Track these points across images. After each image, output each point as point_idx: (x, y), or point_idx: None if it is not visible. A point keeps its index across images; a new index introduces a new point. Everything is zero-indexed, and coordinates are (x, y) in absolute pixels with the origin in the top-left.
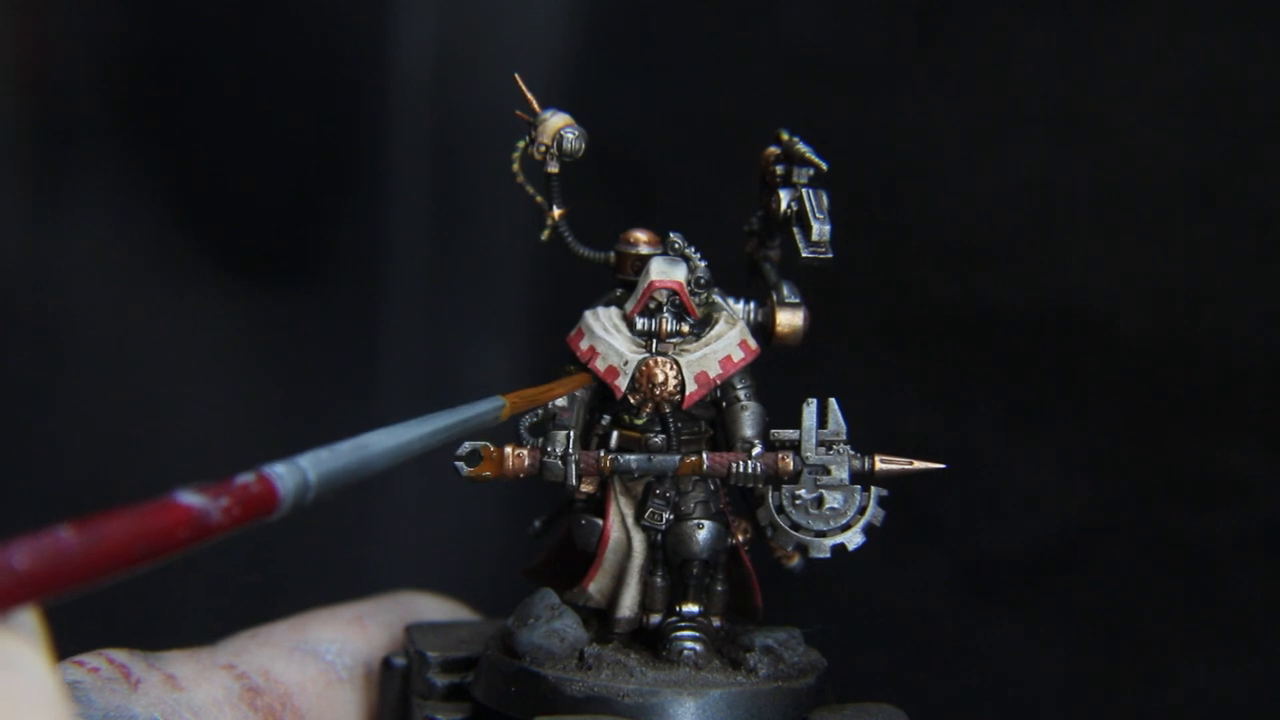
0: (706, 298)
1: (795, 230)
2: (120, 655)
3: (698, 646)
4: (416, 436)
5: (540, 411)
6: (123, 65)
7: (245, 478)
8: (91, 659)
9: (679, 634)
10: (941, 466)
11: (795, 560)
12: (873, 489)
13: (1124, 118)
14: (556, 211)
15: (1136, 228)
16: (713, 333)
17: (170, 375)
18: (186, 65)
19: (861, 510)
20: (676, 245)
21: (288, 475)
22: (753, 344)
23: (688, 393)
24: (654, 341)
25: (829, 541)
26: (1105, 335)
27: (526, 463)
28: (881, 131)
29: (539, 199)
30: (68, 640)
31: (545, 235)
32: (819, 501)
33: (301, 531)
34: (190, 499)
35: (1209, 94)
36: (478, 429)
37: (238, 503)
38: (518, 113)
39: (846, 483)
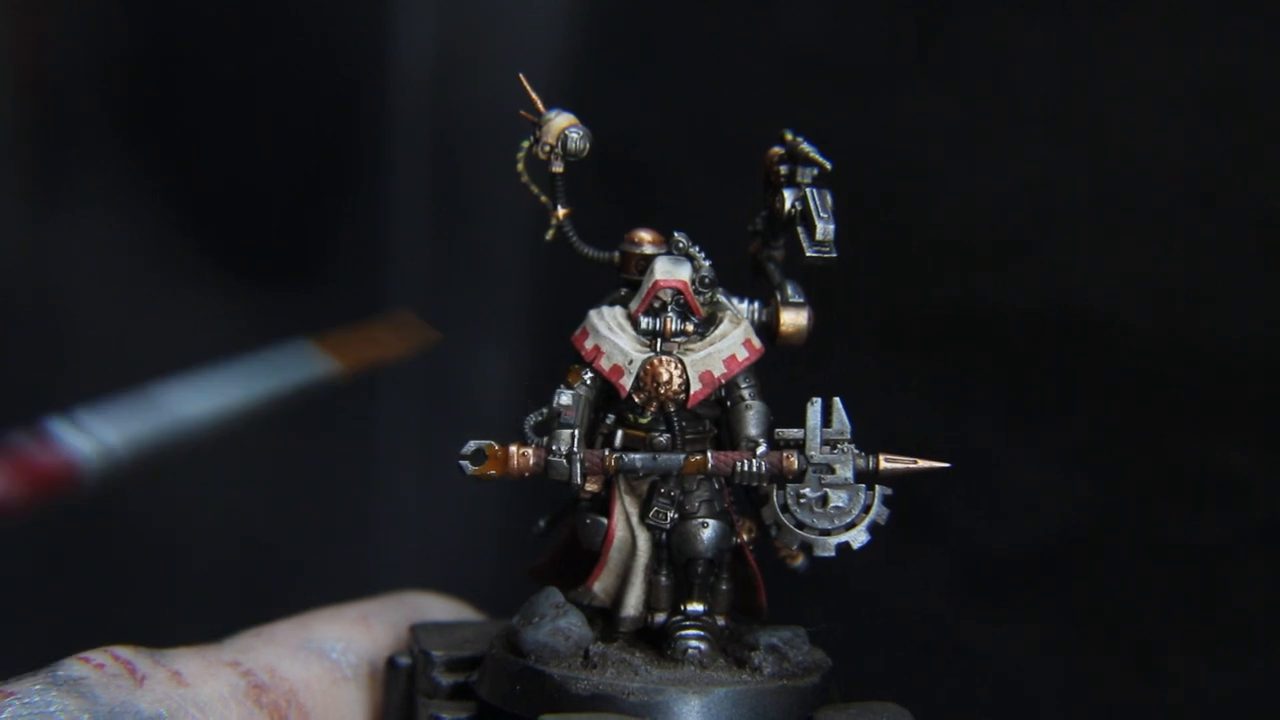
0: (711, 297)
1: (799, 230)
2: (126, 652)
3: (702, 645)
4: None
5: (545, 410)
6: (123, 65)
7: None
8: (97, 655)
9: (684, 633)
10: (946, 465)
11: (800, 560)
12: (877, 488)
13: (1124, 118)
14: (561, 211)
15: (1136, 228)
16: (717, 332)
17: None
18: (186, 65)
19: (866, 509)
20: (681, 245)
21: (82, 442)
22: (757, 343)
23: (692, 392)
24: (658, 341)
25: (833, 540)
26: (1105, 335)
27: (531, 461)
28: (881, 131)
29: (543, 199)
30: (74, 638)
31: (550, 235)
32: (823, 500)
33: (306, 531)
34: None
35: (1209, 94)
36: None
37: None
38: (522, 113)
39: (851, 481)
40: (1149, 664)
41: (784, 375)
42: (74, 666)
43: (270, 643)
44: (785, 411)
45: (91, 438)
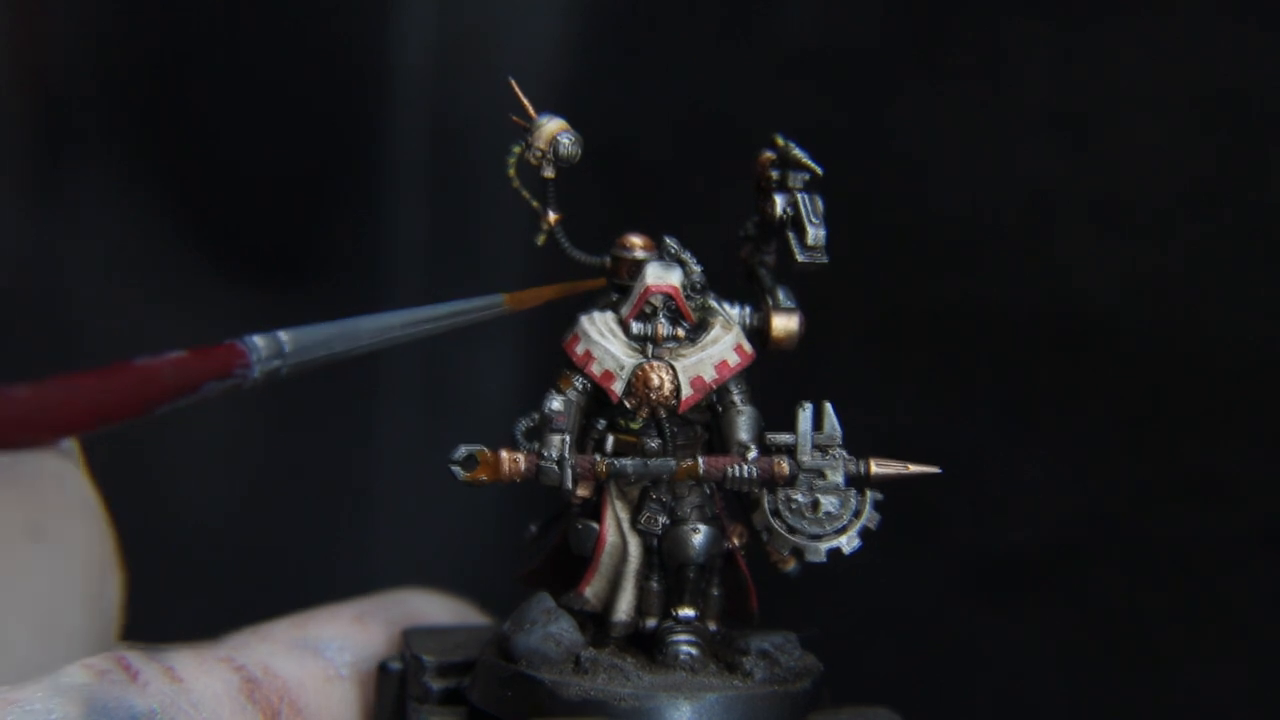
0: (702, 302)
1: (790, 235)
2: (127, 654)
3: (693, 650)
4: (403, 321)
5: (537, 416)
6: (123, 65)
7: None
8: (100, 661)
9: (675, 638)
10: (936, 471)
11: (792, 565)
12: (868, 493)
13: (1124, 118)
14: (552, 216)
15: (1136, 228)
16: (708, 337)
17: None
18: (188, 67)
19: (857, 514)
20: (672, 250)
21: (261, 342)
22: (748, 349)
23: (683, 397)
24: (650, 346)
25: (824, 545)
26: (1105, 335)
27: (523, 467)
28: (881, 131)
29: (535, 204)
30: (74, 641)
31: (541, 240)
32: (814, 505)
33: (305, 530)
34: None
35: (1209, 94)
36: (472, 323)
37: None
38: (514, 118)
39: (842, 487)
40: (1149, 664)
41: (776, 380)
42: (76, 673)
43: (266, 641)
44: (777, 416)
45: (265, 335)
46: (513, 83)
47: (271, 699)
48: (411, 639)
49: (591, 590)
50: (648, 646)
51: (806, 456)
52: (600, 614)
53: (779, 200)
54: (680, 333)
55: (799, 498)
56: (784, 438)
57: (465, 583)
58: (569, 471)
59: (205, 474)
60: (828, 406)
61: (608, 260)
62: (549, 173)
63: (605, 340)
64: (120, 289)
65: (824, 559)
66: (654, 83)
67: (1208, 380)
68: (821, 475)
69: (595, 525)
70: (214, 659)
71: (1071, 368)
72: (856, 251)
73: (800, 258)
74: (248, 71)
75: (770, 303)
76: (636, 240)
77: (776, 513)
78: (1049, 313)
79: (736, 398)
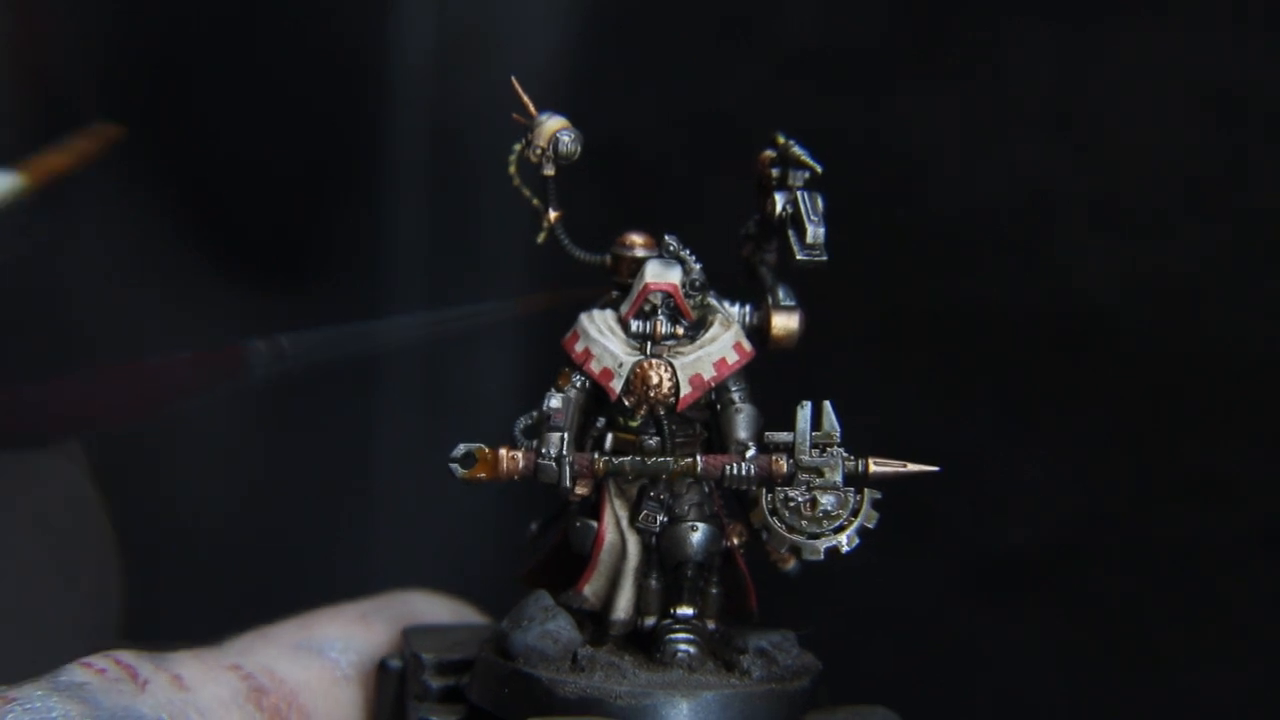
0: (701, 300)
1: (790, 233)
2: (127, 656)
3: (691, 649)
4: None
5: (535, 414)
6: (123, 66)
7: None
8: (99, 660)
9: (673, 636)
10: (935, 469)
11: (791, 564)
12: (866, 491)
13: (1124, 118)
14: (553, 214)
15: (1136, 228)
16: (707, 335)
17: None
18: (188, 67)
19: (855, 512)
20: (672, 248)
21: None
22: (747, 347)
23: (682, 395)
24: (649, 344)
25: (822, 544)
26: (1105, 335)
27: (521, 465)
28: (881, 131)
29: (535, 202)
30: (75, 638)
31: (541, 238)
32: (812, 504)
33: (305, 531)
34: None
35: (1209, 94)
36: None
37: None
38: (514, 116)
39: (840, 485)
40: (1149, 664)
41: (775, 378)
42: (76, 672)
43: (270, 644)
44: (776, 415)
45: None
46: (514, 81)
47: (279, 705)
48: (411, 637)
49: (590, 588)
50: (646, 645)
51: (805, 455)
52: (599, 612)
53: (779, 198)
54: (679, 331)
55: (797, 496)
56: (782, 436)
57: (465, 583)
58: (567, 469)
59: (205, 474)
60: (826, 405)
61: (608, 258)
62: (549, 170)
63: (604, 338)
64: (120, 289)
65: (822, 557)
66: (654, 83)
67: (1208, 380)
68: (820, 474)
69: (594, 523)
70: (220, 665)
71: (1071, 368)
72: (856, 251)
73: (800, 255)
74: (247, 71)
75: (770, 301)
76: (637, 238)
77: (775, 511)
78: (1049, 313)
79: (735, 396)
